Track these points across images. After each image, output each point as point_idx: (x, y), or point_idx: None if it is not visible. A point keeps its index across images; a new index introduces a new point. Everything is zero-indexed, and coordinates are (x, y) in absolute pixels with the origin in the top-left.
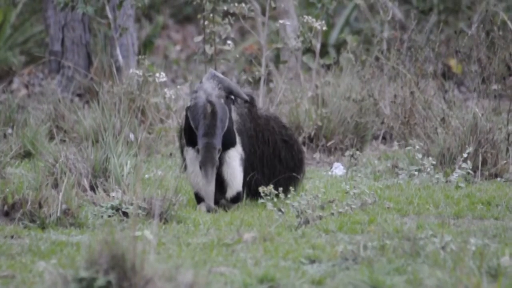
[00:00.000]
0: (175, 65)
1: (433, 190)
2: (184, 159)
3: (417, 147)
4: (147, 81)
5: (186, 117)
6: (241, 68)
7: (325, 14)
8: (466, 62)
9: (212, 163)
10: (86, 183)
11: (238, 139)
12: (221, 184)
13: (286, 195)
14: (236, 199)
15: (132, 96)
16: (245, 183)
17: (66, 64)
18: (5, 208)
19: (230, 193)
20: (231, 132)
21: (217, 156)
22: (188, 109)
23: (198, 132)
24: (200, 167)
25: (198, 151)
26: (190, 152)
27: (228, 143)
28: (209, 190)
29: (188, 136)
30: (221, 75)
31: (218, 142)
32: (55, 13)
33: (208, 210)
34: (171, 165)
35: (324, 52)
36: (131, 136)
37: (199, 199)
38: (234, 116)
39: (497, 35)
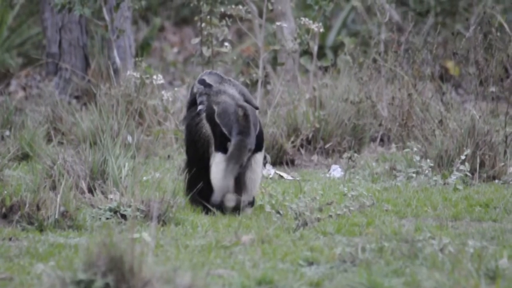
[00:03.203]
0: (172, 67)
1: (431, 192)
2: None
3: (415, 149)
4: (144, 83)
5: (213, 123)
6: (238, 70)
7: (322, 16)
8: (463, 64)
9: (238, 160)
10: (84, 185)
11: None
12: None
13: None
14: (252, 203)
15: (130, 98)
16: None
17: (63, 66)
18: (3, 210)
19: (247, 198)
20: (261, 134)
21: (246, 156)
22: (217, 116)
23: (232, 134)
24: (226, 162)
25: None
26: (217, 157)
27: (257, 146)
28: (224, 185)
29: (219, 141)
30: (225, 76)
31: (251, 142)
32: (52, 15)
33: (213, 205)
34: (169, 167)
35: (321, 54)
36: (129, 138)
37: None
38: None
39: (494, 37)
